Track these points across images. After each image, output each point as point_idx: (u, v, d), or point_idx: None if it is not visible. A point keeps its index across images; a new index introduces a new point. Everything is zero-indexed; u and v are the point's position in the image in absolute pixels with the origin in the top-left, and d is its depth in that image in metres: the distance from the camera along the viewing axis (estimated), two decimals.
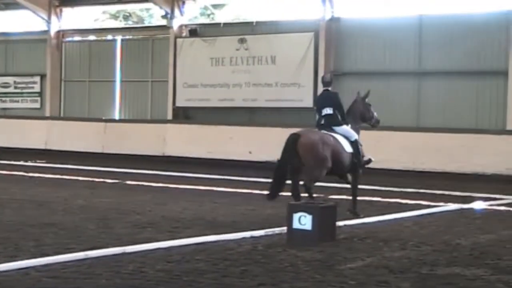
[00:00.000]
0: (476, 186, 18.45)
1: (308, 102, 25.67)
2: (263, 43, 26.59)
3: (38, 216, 11.93)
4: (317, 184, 18.12)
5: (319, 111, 13.23)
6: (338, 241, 9.98)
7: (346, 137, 12.96)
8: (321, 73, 25.16)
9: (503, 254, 9.37)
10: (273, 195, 12.42)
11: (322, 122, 13.07)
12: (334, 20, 25.67)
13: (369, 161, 13.35)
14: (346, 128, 13.12)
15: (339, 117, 13.11)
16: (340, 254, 9.12)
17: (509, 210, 14.21)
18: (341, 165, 12.80)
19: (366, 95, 13.68)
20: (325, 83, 13.45)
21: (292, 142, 12.33)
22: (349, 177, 13.25)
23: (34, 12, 31.64)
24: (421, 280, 7.81)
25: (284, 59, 26.05)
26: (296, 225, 9.82)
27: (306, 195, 12.37)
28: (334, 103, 13.16)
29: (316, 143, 12.39)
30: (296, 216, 9.82)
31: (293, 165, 12.32)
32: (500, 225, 12.13)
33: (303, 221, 9.75)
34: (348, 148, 12.83)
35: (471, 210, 14.25)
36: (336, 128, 13.01)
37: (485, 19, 23.34)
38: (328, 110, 13.08)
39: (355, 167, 13.02)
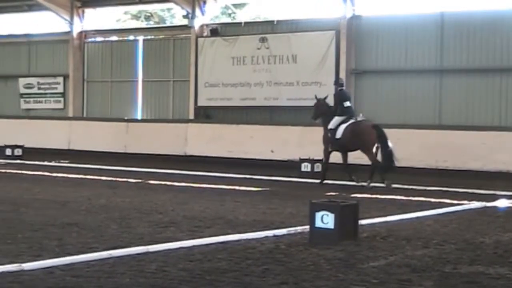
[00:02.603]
0: (499, 184, 18.32)
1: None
2: (284, 42, 26.57)
3: (61, 215, 12.00)
4: (339, 182, 18.24)
5: (341, 104, 18.12)
6: (360, 240, 9.95)
7: None
8: (342, 72, 25.25)
9: None
10: None
11: (349, 112, 18.09)
12: (355, 18, 25.61)
13: None
14: None
15: None
16: (362, 253, 9.11)
17: None
18: None
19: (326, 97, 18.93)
20: (341, 84, 18.87)
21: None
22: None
23: (56, 13, 31.84)
24: (443, 279, 7.77)
25: (305, 57, 26.02)
26: (318, 223, 9.79)
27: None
28: (350, 98, 18.74)
29: None
30: (318, 214, 9.79)
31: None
32: None
33: (326, 219, 9.73)
34: None
35: (494, 208, 14.17)
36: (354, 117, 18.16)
37: (507, 15, 23.20)
38: (348, 103, 18.30)
39: None
